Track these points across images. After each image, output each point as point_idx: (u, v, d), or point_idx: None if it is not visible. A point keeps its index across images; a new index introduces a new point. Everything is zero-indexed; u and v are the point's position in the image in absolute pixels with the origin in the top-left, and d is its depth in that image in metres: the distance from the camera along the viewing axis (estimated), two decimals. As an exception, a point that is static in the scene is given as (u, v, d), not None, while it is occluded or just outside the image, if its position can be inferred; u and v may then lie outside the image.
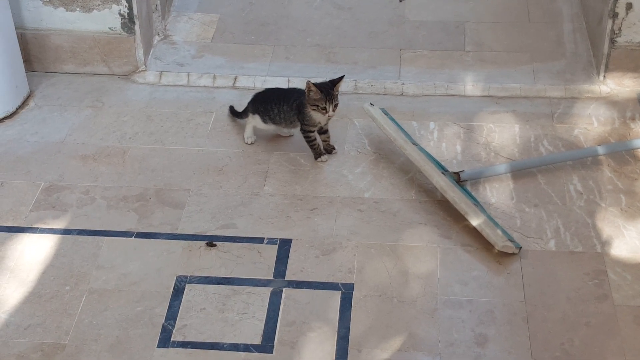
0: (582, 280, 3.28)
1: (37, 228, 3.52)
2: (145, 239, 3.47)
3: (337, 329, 3.13)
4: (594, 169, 3.75)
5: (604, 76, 4.18)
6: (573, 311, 3.17)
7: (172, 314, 3.18)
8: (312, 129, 3.78)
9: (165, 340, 3.09)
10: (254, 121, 3.87)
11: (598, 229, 3.48)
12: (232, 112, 4.03)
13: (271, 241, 3.46)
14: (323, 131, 3.82)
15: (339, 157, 3.84)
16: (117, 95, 4.20)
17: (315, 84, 3.68)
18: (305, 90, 3.70)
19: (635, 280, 3.27)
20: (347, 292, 3.26)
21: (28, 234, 3.49)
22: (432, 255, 3.39)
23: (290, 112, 3.78)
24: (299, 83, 4.22)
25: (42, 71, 4.32)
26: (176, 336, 3.11)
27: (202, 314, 3.19)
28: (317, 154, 3.82)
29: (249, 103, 3.90)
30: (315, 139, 3.80)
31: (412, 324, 3.14)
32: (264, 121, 3.84)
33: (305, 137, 3.80)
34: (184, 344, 3.08)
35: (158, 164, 3.82)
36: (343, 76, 3.75)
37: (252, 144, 3.89)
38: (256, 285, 3.29)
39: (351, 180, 3.73)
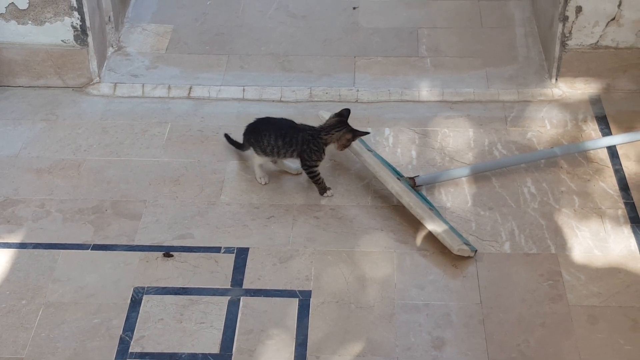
0: (536, 282, 3.31)
1: (-8, 243, 3.50)
2: (101, 251, 3.46)
3: (295, 336, 3.14)
4: (547, 171, 3.78)
5: (556, 79, 4.22)
6: (528, 312, 3.20)
7: (129, 326, 3.18)
8: (318, 163, 3.66)
9: (123, 352, 3.09)
10: (255, 158, 3.73)
11: (552, 230, 3.51)
12: (231, 141, 3.87)
13: (228, 250, 3.46)
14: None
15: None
16: (71, 107, 4.18)
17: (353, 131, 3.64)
18: (341, 139, 3.62)
19: (589, 280, 3.31)
20: (304, 299, 3.27)
21: (-17, 248, 3.48)
22: (388, 260, 3.41)
23: (289, 147, 3.64)
24: (254, 92, 4.23)
25: (-5, 85, 4.30)
26: (134, 347, 3.10)
27: (160, 325, 3.18)
28: (323, 189, 3.68)
29: (243, 135, 3.77)
30: (319, 173, 3.66)
31: (370, 329, 3.15)
32: (257, 153, 3.69)
33: (310, 173, 3.66)
34: (142, 355, 3.08)
35: (114, 175, 3.80)
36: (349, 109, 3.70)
37: (265, 184, 3.74)
38: (214, 294, 3.29)
39: (307, 188, 3.74)
